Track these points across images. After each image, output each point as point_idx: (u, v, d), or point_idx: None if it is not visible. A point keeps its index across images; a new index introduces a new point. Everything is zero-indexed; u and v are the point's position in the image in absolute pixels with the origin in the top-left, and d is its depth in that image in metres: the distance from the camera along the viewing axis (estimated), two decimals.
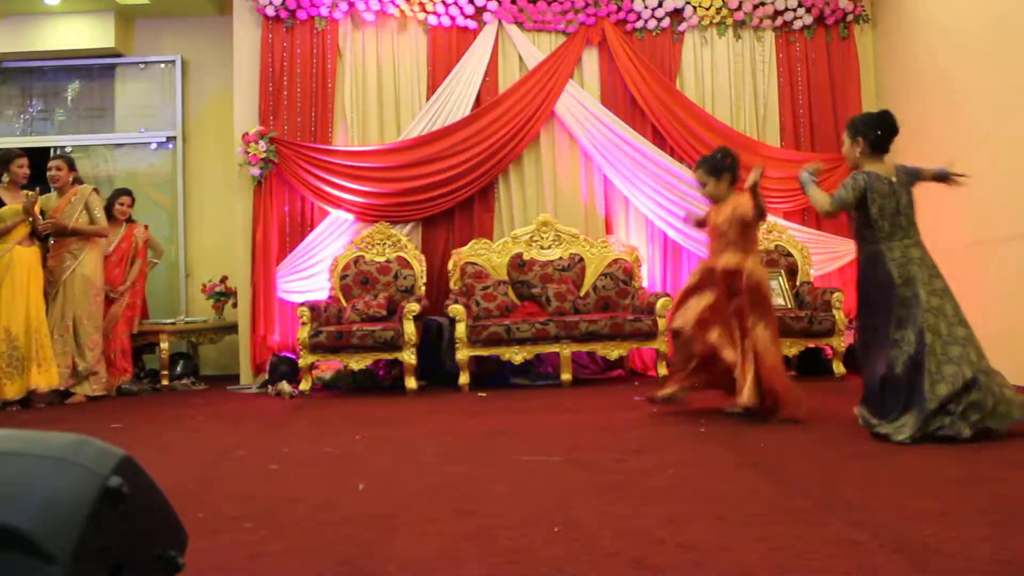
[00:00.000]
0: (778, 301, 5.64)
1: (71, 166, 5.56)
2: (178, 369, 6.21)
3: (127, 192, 6.04)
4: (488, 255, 6.01)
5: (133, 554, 1.08)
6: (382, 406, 4.77)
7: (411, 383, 5.25)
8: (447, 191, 6.09)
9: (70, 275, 5.35)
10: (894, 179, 3.38)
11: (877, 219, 3.33)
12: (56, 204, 5.42)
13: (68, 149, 7.06)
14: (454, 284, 5.89)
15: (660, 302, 5.36)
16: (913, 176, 3.44)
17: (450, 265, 5.98)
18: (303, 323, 5.31)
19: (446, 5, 6.18)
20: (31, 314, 5.11)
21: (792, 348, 5.39)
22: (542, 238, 6.08)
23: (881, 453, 2.95)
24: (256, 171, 5.94)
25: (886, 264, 3.30)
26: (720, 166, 3.90)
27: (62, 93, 7.18)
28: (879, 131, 3.41)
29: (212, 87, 7.00)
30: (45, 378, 5.09)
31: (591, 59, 6.32)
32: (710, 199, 4.00)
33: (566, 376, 5.36)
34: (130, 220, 6.02)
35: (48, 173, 5.45)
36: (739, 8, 6.30)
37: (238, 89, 6.18)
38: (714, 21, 6.33)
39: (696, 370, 3.96)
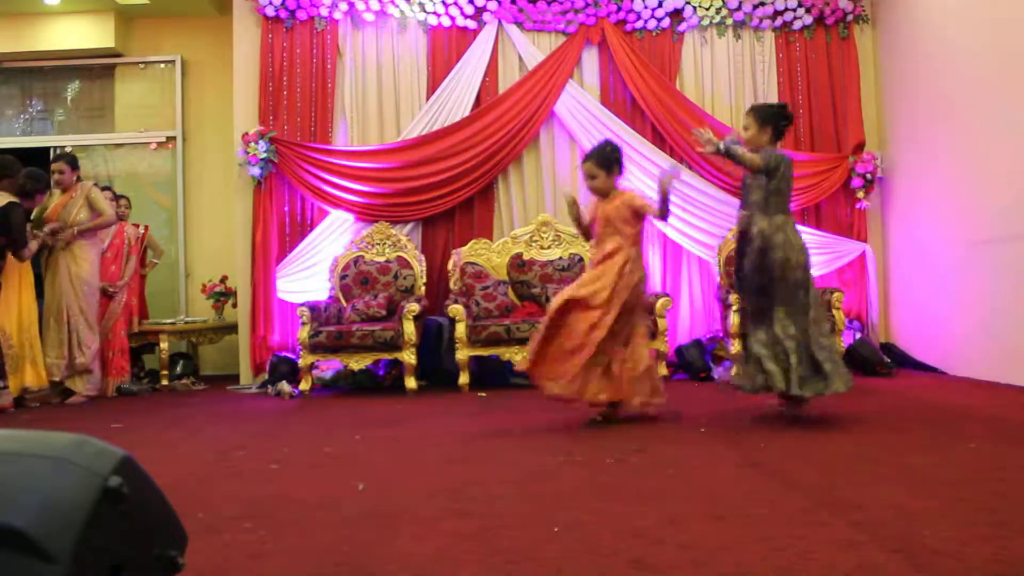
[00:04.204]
0: None
1: (74, 166, 5.56)
2: (178, 369, 6.22)
3: (106, 188, 6.04)
4: (488, 255, 6.01)
5: (133, 554, 1.08)
6: (382, 406, 4.77)
7: (411, 383, 5.25)
8: (447, 191, 6.09)
9: (63, 269, 5.37)
10: None
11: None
12: (57, 201, 5.43)
13: (68, 149, 7.06)
14: (454, 284, 5.88)
15: (660, 302, 5.35)
16: None
17: (450, 265, 5.97)
18: (303, 323, 5.31)
19: (446, 5, 6.18)
20: (23, 313, 5.13)
21: None
22: (542, 238, 6.08)
23: (881, 453, 2.95)
24: (256, 171, 5.94)
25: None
26: (611, 159, 3.86)
27: (62, 93, 7.19)
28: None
29: (212, 87, 7.00)
30: (36, 376, 5.12)
31: (591, 59, 6.31)
32: (598, 193, 3.87)
33: None
34: (120, 217, 6.01)
35: (53, 177, 5.46)
36: (739, 8, 6.30)
37: (238, 89, 6.18)
38: (714, 21, 6.33)
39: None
